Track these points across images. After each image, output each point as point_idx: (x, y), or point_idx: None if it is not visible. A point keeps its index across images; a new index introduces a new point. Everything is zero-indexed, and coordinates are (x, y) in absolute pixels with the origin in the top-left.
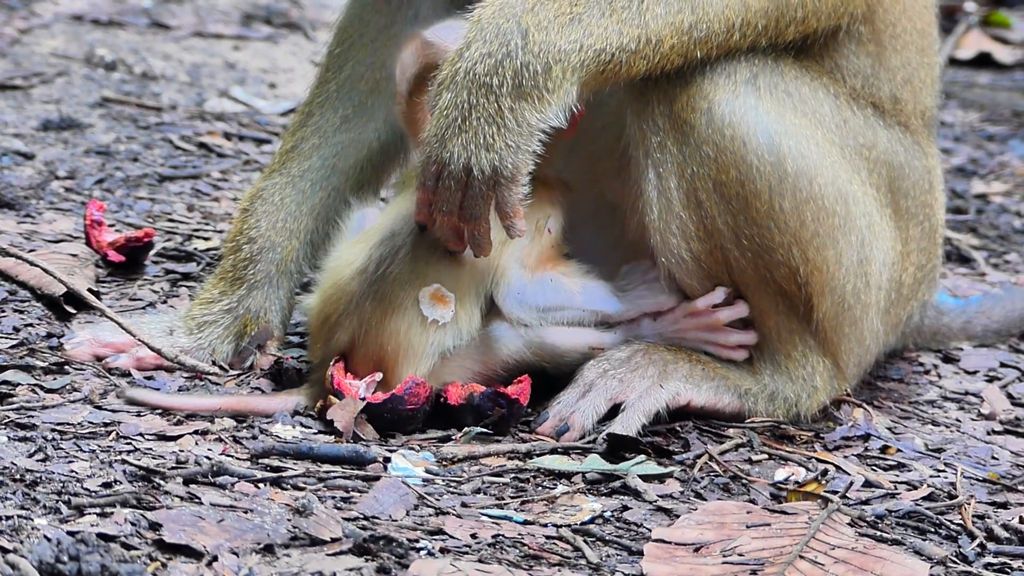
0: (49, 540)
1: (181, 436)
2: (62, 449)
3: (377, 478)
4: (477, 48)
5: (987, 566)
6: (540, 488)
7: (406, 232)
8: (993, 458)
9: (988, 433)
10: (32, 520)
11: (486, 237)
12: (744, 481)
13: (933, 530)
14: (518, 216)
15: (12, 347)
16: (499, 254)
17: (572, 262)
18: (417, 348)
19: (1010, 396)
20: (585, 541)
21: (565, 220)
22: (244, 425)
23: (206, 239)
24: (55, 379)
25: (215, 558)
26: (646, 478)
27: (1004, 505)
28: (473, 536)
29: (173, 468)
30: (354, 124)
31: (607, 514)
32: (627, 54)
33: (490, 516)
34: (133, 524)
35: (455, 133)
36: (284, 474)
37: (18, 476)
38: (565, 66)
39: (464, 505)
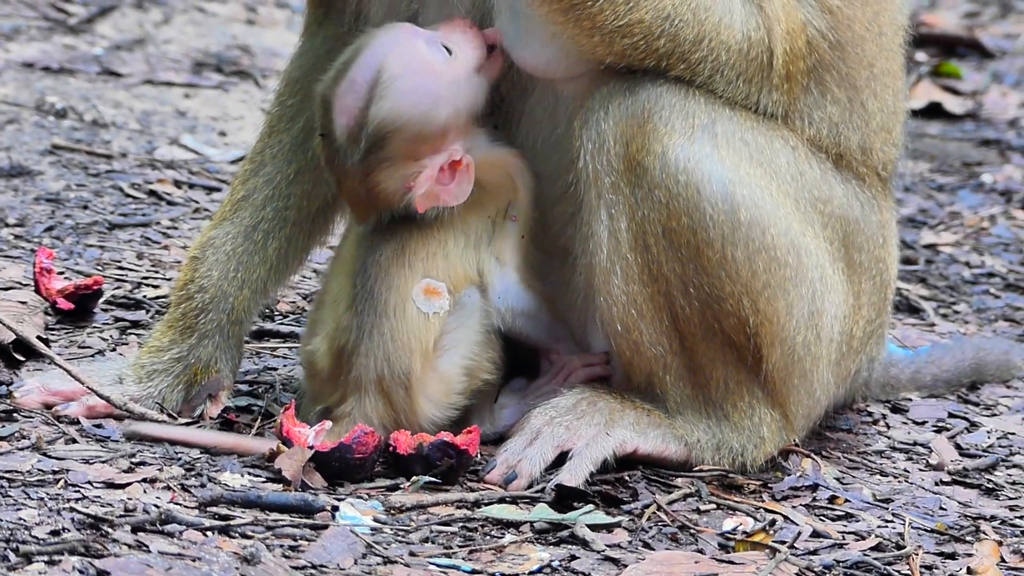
0: None
1: (129, 484)
2: (10, 496)
3: (325, 527)
4: None
5: None
6: (488, 537)
7: (379, 245)
8: (941, 508)
9: (936, 483)
10: None
11: None
12: (692, 531)
13: None
14: None
15: None
16: (477, 248)
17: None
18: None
19: (958, 446)
20: None
21: (529, 203)
22: (192, 473)
23: (155, 287)
24: (3, 427)
25: None
26: (594, 527)
27: (952, 555)
28: None
29: (121, 516)
30: (307, 177)
31: (555, 563)
32: None
33: (438, 565)
34: (81, 572)
35: None
36: (232, 522)
37: None
38: None
39: (412, 554)
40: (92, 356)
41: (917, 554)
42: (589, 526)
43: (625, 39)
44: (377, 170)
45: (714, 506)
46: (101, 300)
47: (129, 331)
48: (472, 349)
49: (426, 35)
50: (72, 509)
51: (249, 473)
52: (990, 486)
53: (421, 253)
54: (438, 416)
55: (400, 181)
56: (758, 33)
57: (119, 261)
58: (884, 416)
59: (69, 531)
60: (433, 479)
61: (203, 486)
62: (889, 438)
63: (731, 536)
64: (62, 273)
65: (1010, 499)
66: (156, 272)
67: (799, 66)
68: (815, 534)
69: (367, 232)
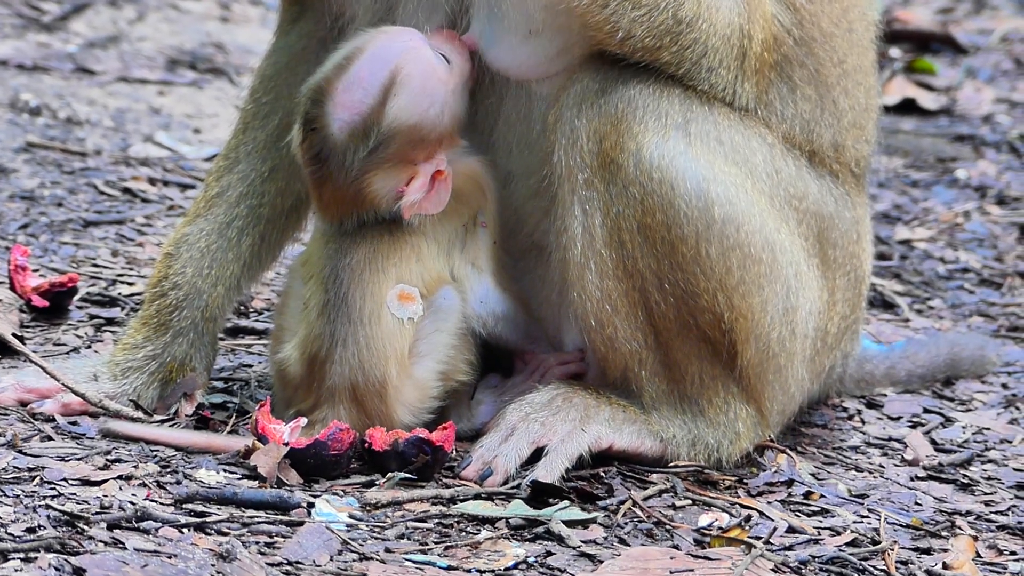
0: None
1: (105, 481)
2: None
3: (301, 523)
4: None
5: None
6: (464, 533)
7: (350, 250)
8: (916, 504)
9: (911, 479)
10: None
11: None
12: (668, 527)
13: (856, 575)
14: None
15: None
16: (450, 254)
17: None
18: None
19: (933, 442)
20: None
21: (497, 210)
22: (168, 470)
23: (130, 284)
24: None
25: None
26: (570, 523)
27: (927, 551)
28: None
29: (97, 513)
30: (281, 174)
31: (531, 559)
32: None
33: (414, 562)
34: (57, 569)
35: None
36: (208, 519)
37: None
38: None
39: (388, 551)
40: (67, 353)
41: (893, 549)
42: (565, 522)
43: (634, 11)
44: (374, 170)
45: (689, 502)
46: (76, 297)
47: (104, 328)
48: (447, 353)
49: (429, 42)
50: (48, 506)
51: (225, 470)
52: (965, 481)
53: (394, 258)
54: (413, 421)
55: (394, 184)
56: (740, 18)
57: (94, 258)
58: (859, 412)
59: (45, 528)
60: (408, 475)
61: (179, 483)
62: (864, 434)
63: (706, 532)
64: (37, 271)
65: (985, 494)
66: (131, 269)
67: (767, 59)
68: (790, 530)
69: (334, 236)
